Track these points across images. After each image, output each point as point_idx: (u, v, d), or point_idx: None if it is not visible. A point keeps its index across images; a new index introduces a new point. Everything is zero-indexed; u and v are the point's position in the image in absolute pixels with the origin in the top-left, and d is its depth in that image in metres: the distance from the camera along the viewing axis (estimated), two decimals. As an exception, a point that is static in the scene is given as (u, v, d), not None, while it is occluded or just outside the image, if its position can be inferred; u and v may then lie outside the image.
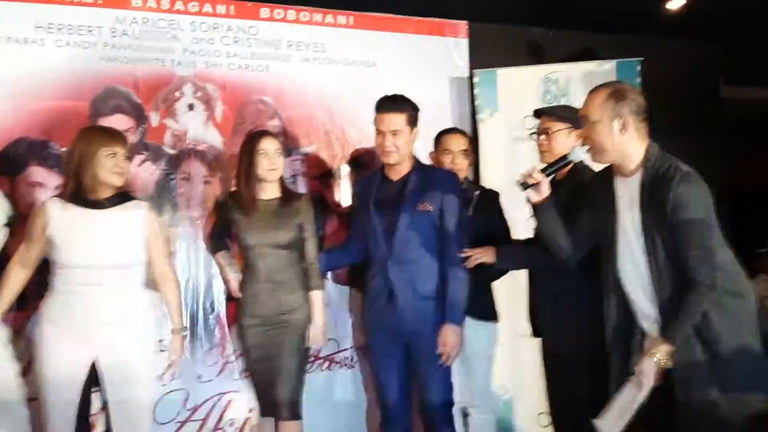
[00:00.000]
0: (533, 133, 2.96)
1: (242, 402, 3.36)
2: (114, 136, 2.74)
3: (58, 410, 2.59)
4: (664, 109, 3.77)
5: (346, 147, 3.75)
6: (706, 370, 2.21)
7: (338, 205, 3.71)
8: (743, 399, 2.19)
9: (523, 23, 4.39)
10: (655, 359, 2.24)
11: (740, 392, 2.19)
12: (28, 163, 3.19)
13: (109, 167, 2.66)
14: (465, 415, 3.30)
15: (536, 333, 2.92)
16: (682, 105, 4.47)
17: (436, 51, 4.02)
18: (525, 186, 2.52)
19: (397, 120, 2.93)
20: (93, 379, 2.63)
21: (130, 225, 2.73)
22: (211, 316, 3.42)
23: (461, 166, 3.27)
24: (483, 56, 4.11)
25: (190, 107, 3.49)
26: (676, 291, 2.24)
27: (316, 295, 3.08)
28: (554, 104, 3.82)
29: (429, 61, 3.98)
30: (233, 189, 3.16)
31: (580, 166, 2.68)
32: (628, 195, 2.36)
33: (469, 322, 3.00)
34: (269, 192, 3.07)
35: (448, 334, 2.88)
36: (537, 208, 2.56)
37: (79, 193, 2.66)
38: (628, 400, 2.28)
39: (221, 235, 3.20)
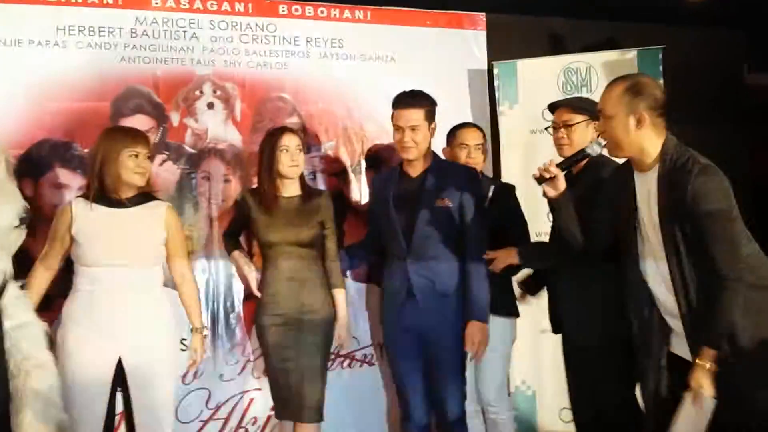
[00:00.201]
0: (548, 127, 2.93)
1: (264, 400, 3.37)
2: (136, 136, 2.77)
3: (86, 411, 2.59)
4: (686, 98, 3.73)
5: (365, 142, 3.74)
6: (729, 365, 2.17)
7: (357, 202, 3.72)
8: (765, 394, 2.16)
9: (541, 13, 4.33)
10: (707, 366, 2.16)
11: (762, 388, 2.15)
12: (51, 165, 3.22)
13: (132, 167, 2.70)
14: (483, 412, 3.27)
15: (557, 329, 2.89)
16: (704, 93, 4.38)
17: (455, 44, 3.99)
18: (541, 180, 2.50)
19: (415, 115, 2.92)
20: (118, 379, 2.65)
21: (151, 225, 2.76)
22: (231, 315, 3.44)
23: (477, 161, 3.24)
24: (502, 48, 4.07)
25: (210, 106, 3.50)
26: (701, 286, 2.20)
27: (340, 294, 3.08)
28: (574, 95, 3.78)
29: (447, 55, 3.94)
30: (254, 186, 3.17)
31: (598, 160, 2.64)
32: (645, 190, 2.33)
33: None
34: (290, 189, 3.07)
35: (475, 331, 2.86)
36: (554, 203, 2.54)
37: (102, 193, 2.69)
38: (692, 416, 2.17)
39: (236, 234, 3.21)
